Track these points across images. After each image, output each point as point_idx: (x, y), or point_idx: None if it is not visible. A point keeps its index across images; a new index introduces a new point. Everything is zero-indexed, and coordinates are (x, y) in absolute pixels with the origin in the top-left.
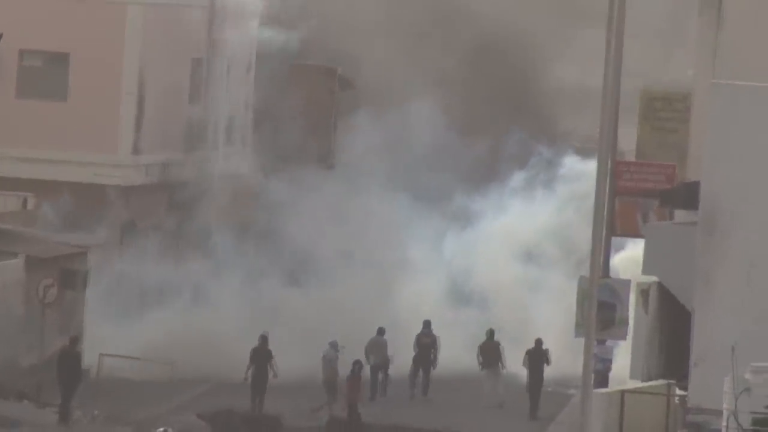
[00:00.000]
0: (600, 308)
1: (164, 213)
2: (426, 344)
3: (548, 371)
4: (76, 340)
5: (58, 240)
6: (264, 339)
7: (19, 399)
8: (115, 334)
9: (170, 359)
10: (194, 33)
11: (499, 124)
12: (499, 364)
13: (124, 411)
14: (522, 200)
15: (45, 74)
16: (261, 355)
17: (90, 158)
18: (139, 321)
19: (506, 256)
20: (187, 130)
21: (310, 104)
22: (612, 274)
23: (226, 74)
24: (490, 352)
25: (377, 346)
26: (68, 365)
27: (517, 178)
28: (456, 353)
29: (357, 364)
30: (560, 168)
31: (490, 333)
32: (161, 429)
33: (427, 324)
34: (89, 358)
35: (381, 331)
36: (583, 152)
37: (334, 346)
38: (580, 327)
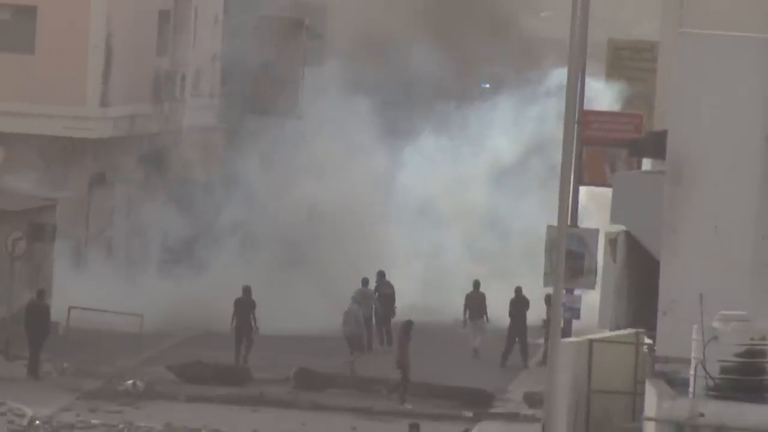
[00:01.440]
0: (568, 257)
1: (133, 165)
2: (388, 294)
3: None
4: (43, 293)
5: (26, 193)
6: (247, 290)
7: None
8: (84, 287)
9: (140, 312)
10: None
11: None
12: (484, 316)
13: (94, 364)
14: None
15: (12, 27)
16: (244, 306)
17: (58, 111)
18: (109, 274)
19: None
20: (154, 82)
21: (277, 56)
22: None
23: (193, 26)
24: (475, 302)
25: (364, 297)
26: (36, 318)
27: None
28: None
29: (408, 323)
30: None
31: (476, 283)
32: (130, 381)
33: (382, 274)
34: (58, 311)
35: (365, 282)
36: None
37: (356, 300)
38: (549, 276)
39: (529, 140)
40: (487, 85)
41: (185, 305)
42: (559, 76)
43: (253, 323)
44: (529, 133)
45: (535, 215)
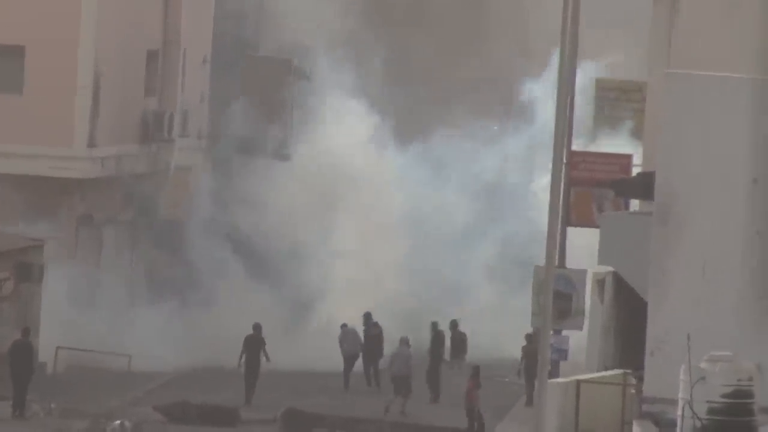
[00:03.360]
0: (556, 298)
1: (121, 206)
2: (375, 335)
3: (480, 357)
4: (28, 332)
5: (13, 233)
6: (257, 327)
7: None
8: (72, 328)
9: (127, 352)
10: (149, 25)
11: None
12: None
13: (81, 404)
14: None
15: (0, 67)
16: (254, 343)
17: (46, 151)
18: (96, 314)
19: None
20: (142, 122)
21: (265, 96)
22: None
23: (181, 66)
24: (458, 342)
25: (350, 336)
26: (20, 357)
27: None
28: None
29: (476, 369)
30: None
31: (454, 323)
32: (117, 422)
33: (368, 316)
34: (46, 351)
35: (344, 325)
36: None
37: (405, 341)
38: (537, 316)
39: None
40: (496, 128)
41: (174, 343)
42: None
43: (265, 358)
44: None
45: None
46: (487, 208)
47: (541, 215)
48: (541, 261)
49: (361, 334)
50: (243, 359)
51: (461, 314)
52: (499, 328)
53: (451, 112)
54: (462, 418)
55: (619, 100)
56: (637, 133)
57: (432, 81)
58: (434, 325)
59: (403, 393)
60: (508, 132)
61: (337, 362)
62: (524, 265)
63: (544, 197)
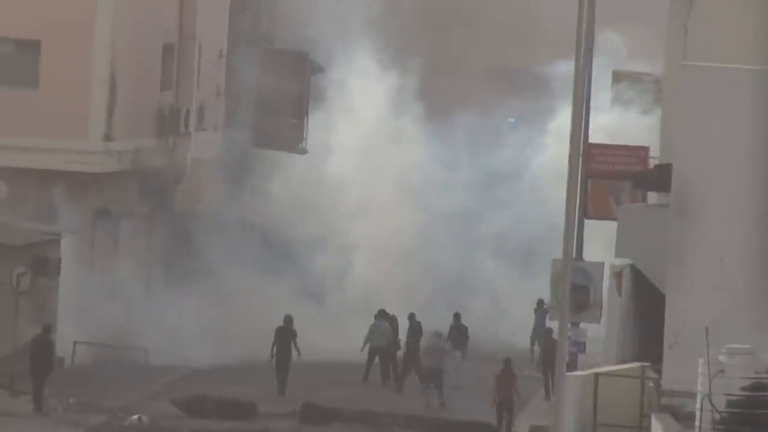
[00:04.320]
0: (573, 291)
1: (137, 200)
2: (393, 329)
3: (494, 349)
4: (48, 328)
5: (30, 227)
6: (288, 319)
7: None
8: (90, 322)
9: (145, 346)
10: (165, 19)
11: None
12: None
13: (99, 398)
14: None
15: (16, 62)
16: (285, 335)
17: (62, 145)
18: (114, 308)
19: None
20: (158, 116)
21: (281, 89)
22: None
23: (197, 60)
24: (459, 334)
25: (378, 330)
26: (41, 353)
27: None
28: None
29: (508, 360)
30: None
31: (457, 316)
32: (135, 416)
33: (382, 312)
34: (64, 345)
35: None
36: None
37: (437, 335)
38: (554, 310)
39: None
40: (512, 120)
41: (193, 337)
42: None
43: (295, 351)
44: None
45: None
46: (508, 199)
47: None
48: (558, 253)
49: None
50: (274, 351)
51: (476, 305)
52: (511, 318)
53: (473, 103)
54: (478, 411)
55: (636, 92)
56: (653, 125)
57: (456, 70)
58: (411, 316)
59: (436, 385)
60: (530, 122)
61: (353, 354)
62: (537, 255)
63: (562, 188)
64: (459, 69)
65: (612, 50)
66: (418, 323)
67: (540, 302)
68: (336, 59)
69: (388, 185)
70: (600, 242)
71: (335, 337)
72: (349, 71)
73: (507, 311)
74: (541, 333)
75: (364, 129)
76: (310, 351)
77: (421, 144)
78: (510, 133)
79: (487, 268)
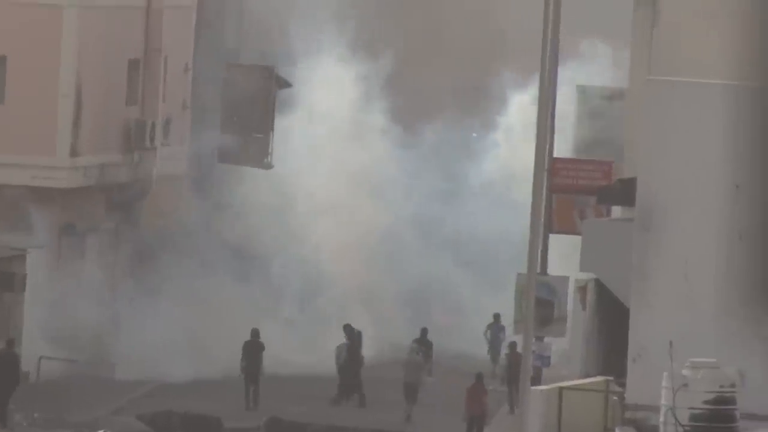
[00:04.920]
0: (538, 305)
1: (103, 215)
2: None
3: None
4: (13, 343)
5: None
6: (255, 332)
7: None
8: (55, 337)
9: (111, 361)
10: (131, 34)
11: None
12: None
13: (64, 413)
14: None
15: None
16: (253, 348)
17: (28, 161)
18: (79, 323)
19: None
20: (124, 131)
21: (247, 104)
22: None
23: (162, 75)
24: (425, 349)
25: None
26: (6, 368)
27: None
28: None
29: (479, 375)
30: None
31: (424, 331)
32: (101, 431)
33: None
34: (29, 360)
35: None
36: None
37: (415, 350)
38: (519, 324)
39: None
40: (475, 135)
41: (160, 352)
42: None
43: (261, 365)
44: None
45: None
46: (472, 214)
47: (521, 221)
48: (523, 268)
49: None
50: (243, 365)
51: (445, 320)
52: (472, 330)
53: (436, 119)
54: (446, 426)
55: (600, 107)
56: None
57: (415, 88)
58: (347, 327)
59: (410, 399)
60: (491, 138)
61: (324, 367)
62: (499, 270)
63: (525, 203)
64: (425, 83)
65: (577, 64)
66: (359, 333)
67: (496, 316)
68: (303, 69)
69: (351, 187)
70: (564, 257)
71: (305, 349)
72: (315, 80)
73: (468, 323)
74: (497, 347)
75: (328, 131)
76: (279, 365)
77: (385, 149)
78: (474, 144)
79: (450, 277)
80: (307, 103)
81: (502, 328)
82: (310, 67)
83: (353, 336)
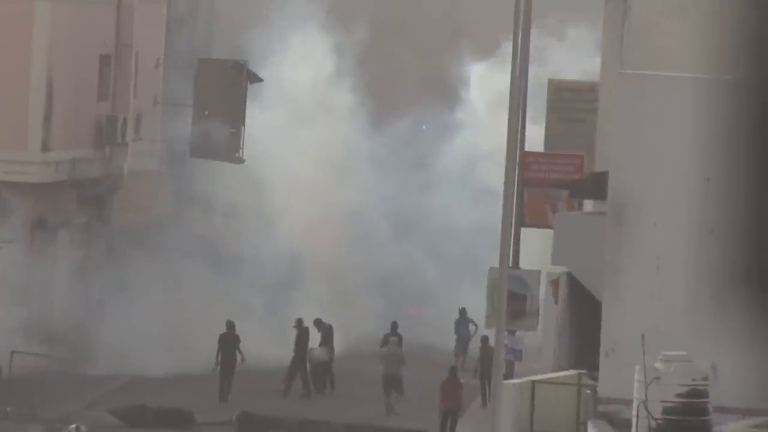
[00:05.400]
0: (510, 299)
1: (75, 210)
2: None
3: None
4: None
5: None
6: (231, 324)
7: None
8: (27, 331)
9: (83, 355)
10: (102, 29)
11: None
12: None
13: (36, 408)
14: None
15: None
16: (229, 341)
17: None
18: (51, 318)
19: None
20: (96, 126)
21: (218, 98)
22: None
23: (134, 70)
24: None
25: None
26: None
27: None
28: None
29: (453, 368)
30: None
31: (394, 324)
32: (73, 426)
33: (319, 321)
34: (1, 355)
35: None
36: None
37: (395, 342)
38: (491, 318)
39: None
40: (425, 127)
41: (132, 346)
42: None
43: (239, 356)
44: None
45: None
46: (442, 206)
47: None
48: (494, 262)
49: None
50: (219, 358)
51: (414, 313)
52: (441, 322)
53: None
54: (420, 419)
55: (572, 101)
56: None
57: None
58: (299, 321)
59: (394, 391)
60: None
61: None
62: (469, 263)
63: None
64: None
65: (548, 57)
66: (306, 329)
67: (462, 311)
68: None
69: (316, 165)
70: (536, 250)
71: (279, 343)
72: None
73: (437, 315)
74: (464, 342)
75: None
76: (253, 358)
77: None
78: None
79: (422, 267)
80: (278, 91)
81: (467, 322)
82: (279, 62)
83: (324, 329)
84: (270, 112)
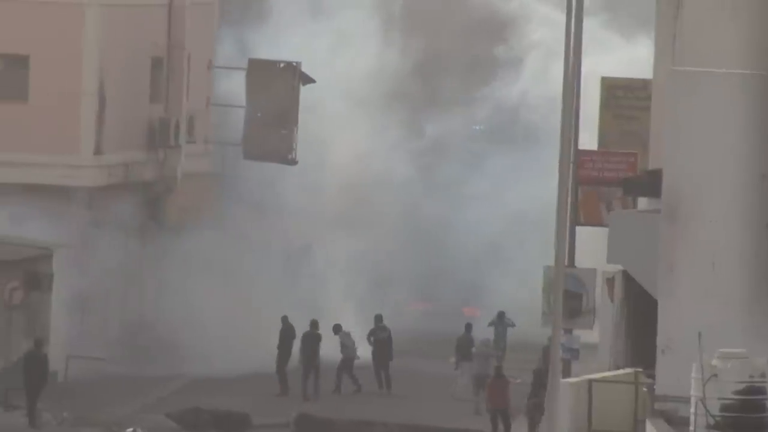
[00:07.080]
0: (566, 298)
1: (129, 213)
2: (382, 339)
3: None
4: (41, 342)
5: (22, 242)
6: (314, 323)
7: None
8: (83, 336)
9: (139, 359)
10: (153, 32)
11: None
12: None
13: (93, 412)
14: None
15: (5, 76)
16: (311, 340)
17: (53, 160)
18: (107, 321)
19: None
20: (148, 129)
21: (271, 100)
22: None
23: (186, 72)
24: (465, 346)
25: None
26: (34, 368)
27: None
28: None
29: (499, 367)
30: None
31: (468, 327)
32: (130, 429)
33: (379, 318)
34: (57, 359)
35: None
36: None
37: (486, 342)
38: (547, 316)
39: None
40: (478, 128)
41: (188, 349)
42: None
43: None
44: None
45: None
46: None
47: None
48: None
49: (370, 336)
50: (301, 356)
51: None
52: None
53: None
54: (461, 418)
55: (625, 98)
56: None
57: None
58: (284, 318)
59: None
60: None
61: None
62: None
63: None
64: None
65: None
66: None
67: (501, 315)
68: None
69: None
70: (591, 249)
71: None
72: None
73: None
74: (501, 344)
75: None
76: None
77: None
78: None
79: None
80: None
81: (507, 325)
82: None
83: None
84: (321, 111)
